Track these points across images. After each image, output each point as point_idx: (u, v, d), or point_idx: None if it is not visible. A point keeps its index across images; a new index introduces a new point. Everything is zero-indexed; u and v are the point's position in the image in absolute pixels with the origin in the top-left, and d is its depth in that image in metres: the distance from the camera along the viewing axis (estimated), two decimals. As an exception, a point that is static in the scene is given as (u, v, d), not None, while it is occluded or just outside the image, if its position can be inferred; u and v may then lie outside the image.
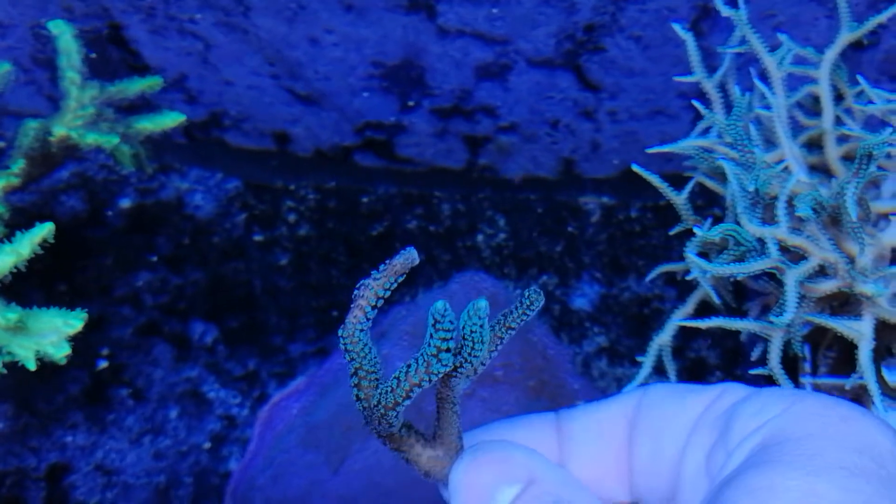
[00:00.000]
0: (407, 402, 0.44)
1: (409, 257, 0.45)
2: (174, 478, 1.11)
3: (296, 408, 1.10)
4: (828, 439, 0.38)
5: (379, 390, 0.45)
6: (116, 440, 1.12)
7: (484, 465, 0.46)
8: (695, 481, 0.44)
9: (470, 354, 0.44)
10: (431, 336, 0.43)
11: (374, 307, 0.45)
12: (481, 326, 0.44)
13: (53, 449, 1.11)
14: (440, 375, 0.44)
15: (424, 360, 0.43)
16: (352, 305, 0.45)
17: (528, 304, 0.47)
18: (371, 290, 0.45)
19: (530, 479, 0.45)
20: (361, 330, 0.45)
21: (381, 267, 0.45)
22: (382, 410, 0.45)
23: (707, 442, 0.44)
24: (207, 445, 1.13)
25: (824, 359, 0.98)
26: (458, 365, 0.45)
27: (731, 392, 0.45)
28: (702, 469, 0.44)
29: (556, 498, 0.45)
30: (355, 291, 0.45)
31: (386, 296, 0.45)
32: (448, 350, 0.43)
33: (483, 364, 0.46)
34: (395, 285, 0.46)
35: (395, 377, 0.44)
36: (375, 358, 0.46)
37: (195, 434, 1.14)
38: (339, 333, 0.46)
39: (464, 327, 0.44)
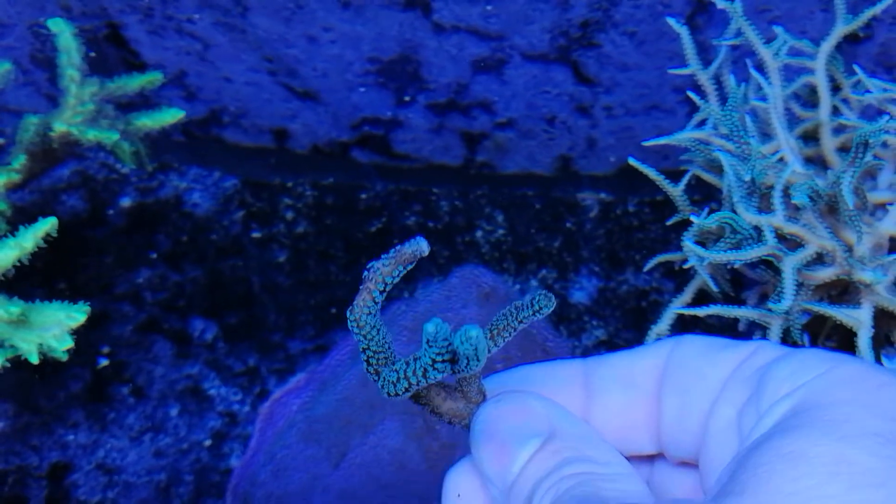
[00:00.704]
0: (407, 395, 0.44)
1: (418, 247, 0.45)
2: (175, 476, 1.12)
3: (296, 404, 1.11)
4: (861, 405, 0.37)
5: (381, 377, 0.45)
6: (117, 438, 1.13)
7: (504, 417, 0.45)
8: (724, 437, 0.43)
9: (467, 367, 0.44)
10: (425, 352, 0.43)
11: (381, 291, 0.45)
12: (475, 349, 0.43)
13: (55, 447, 1.11)
14: (438, 379, 0.44)
15: (421, 366, 0.43)
16: (360, 287, 0.45)
17: (538, 308, 0.46)
18: (379, 274, 0.45)
19: (551, 432, 0.44)
20: (369, 313, 0.45)
21: (391, 252, 0.45)
22: (391, 390, 0.45)
23: (739, 399, 0.43)
24: (208, 443, 1.14)
25: (825, 349, 0.98)
26: (456, 370, 0.45)
27: (766, 350, 0.44)
28: (733, 426, 0.43)
29: (576, 452, 0.44)
30: (365, 273, 0.45)
31: (394, 282, 0.45)
32: (443, 361, 0.43)
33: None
34: (403, 273, 0.45)
35: (394, 370, 0.44)
36: (384, 339, 0.46)
37: (196, 431, 1.14)
38: (347, 316, 0.45)
39: (457, 349, 0.44)
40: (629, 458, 0.46)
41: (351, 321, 0.45)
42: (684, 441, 0.46)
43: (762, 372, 0.42)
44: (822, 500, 0.34)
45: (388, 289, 0.45)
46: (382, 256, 0.45)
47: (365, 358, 0.45)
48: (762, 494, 0.35)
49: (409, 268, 0.45)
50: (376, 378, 0.45)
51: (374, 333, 0.45)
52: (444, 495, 0.49)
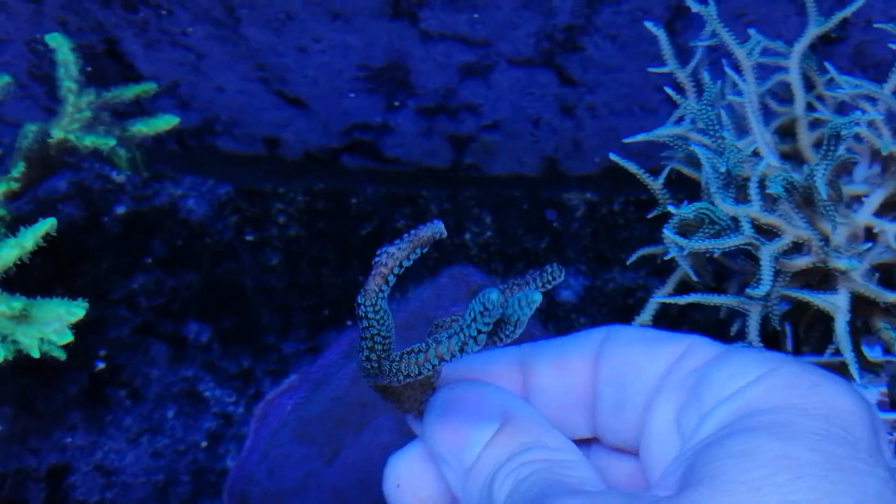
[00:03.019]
0: (427, 373, 0.43)
1: (437, 229, 0.44)
2: (172, 476, 1.13)
3: (289, 404, 1.12)
4: (798, 409, 0.40)
5: (402, 360, 0.44)
6: (115, 440, 1.14)
7: (460, 402, 0.46)
8: (664, 436, 0.45)
9: (506, 336, 0.42)
10: (475, 320, 0.41)
11: (395, 275, 0.44)
12: (527, 316, 0.42)
13: (53, 450, 1.13)
14: (470, 353, 0.42)
15: (460, 340, 0.42)
16: (372, 272, 0.44)
17: (550, 278, 0.46)
18: (394, 258, 0.44)
19: (506, 417, 0.46)
20: (382, 298, 0.44)
21: (406, 235, 0.44)
22: (401, 377, 0.44)
23: (677, 399, 0.45)
24: (204, 443, 1.15)
25: (808, 338, 1.01)
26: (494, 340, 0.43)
27: (700, 348, 0.46)
28: (672, 426, 0.45)
29: (532, 438, 0.45)
30: (375, 258, 0.44)
31: (408, 265, 0.44)
32: (486, 333, 0.41)
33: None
34: (418, 256, 0.44)
35: (417, 350, 0.43)
36: (391, 326, 0.45)
37: (192, 432, 1.16)
38: (359, 301, 0.44)
39: (511, 313, 0.42)
40: None
41: (366, 306, 0.44)
42: (621, 431, 0.48)
43: (700, 374, 0.45)
44: (772, 487, 0.37)
45: (400, 272, 0.44)
46: (397, 240, 0.44)
47: (370, 345, 0.45)
48: (718, 484, 0.38)
49: (424, 251, 0.45)
50: (377, 366, 0.45)
51: (385, 318, 0.45)
52: (384, 483, 0.50)
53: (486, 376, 0.49)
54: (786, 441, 0.38)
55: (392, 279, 0.44)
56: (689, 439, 0.43)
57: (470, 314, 0.42)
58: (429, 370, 0.43)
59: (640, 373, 0.47)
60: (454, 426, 0.46)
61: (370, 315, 0.44)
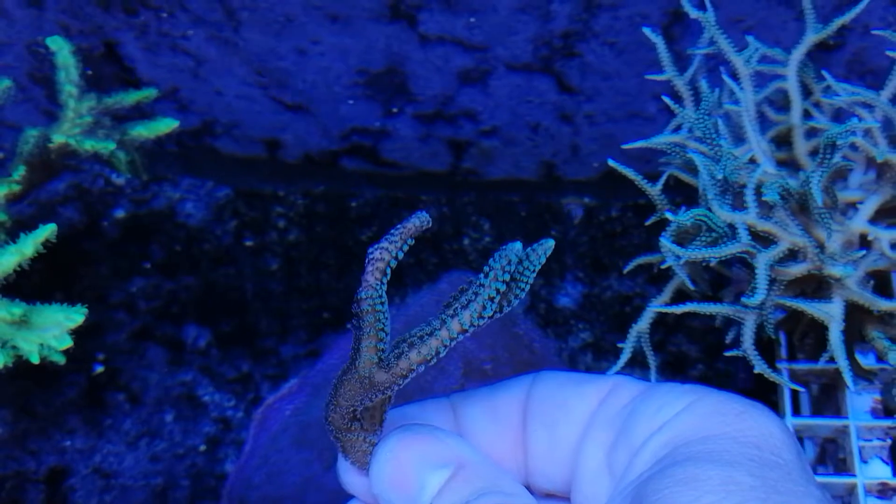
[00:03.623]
0: (438, 358, 0.44)
1: (423, 219, 0.45)
2: (171, 480, 1.14)
3: (289, 409, 1.13)
4: (729, 437, 0.42)
5: (415, 347, 0.44)
6: (114, 443, 1.15)
7: (411, 446, 0.45)
8: (595, 477, 0.46)
9: (516, 295, 0.44)
10: (496, 277, 0.42)
11: (391, 268, 0.45)
12: (537, 266, 0.44)
13: (52, 453, 1.13)
14: (483, 324, 0.43)
15: (481, 300, 0.43)
16: (368, 268, 0.45)
17: (543, 251, 0.46)
18: (388, 251, 0.45)
19: (459, 462, 0.45)
20: (380, 295, 0.45)
21: (394, 229, 0.45)
22: (404, 371, 0.44)
23: (606, 439, 0.45)
24: (203, 448, 1.16)
25: (802, 346, 1.01)
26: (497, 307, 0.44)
27: (625, 387, 0.47)
28: (602, 466, 0.45)
29: (487, 482, 0.45)
30: (369, 255, 0.45)
31: (400, 257, 0.45)
32: (500, 294, 0.43)
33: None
34: (407, 248, 0.45)
35: (423, 333, 0.44)
36: (388, 320, 0.45)
37: (191, 436, 1.16)
38: (361, 295, 0.45)
39: (527, 256, 0.44)
40: None
41: (372, 298, 0.45)
42: (553, 473, 0.48)
43: (627, 412, 0.45)
44: None
45: (395, 265, 0.45)
46: (386, 235, 0.45)
47: (372, 345, 0.45)
48: None
49: (411, 243, 0.46)
50: (366, 372, 0.45)
51: (384, 311, 0.45)
52: None
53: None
54: (727, 468, 0.40)
55: (388, 272, 0.45)
56: (621, 479, 0.44)
57: (489, 272, 0.43)
58: (448, 344, 0.43)
59: (569, 412, 0.47)
60: (405, 471, 0.45)
61: (377, 307, 0.45)
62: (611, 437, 0.46)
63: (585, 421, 0.47)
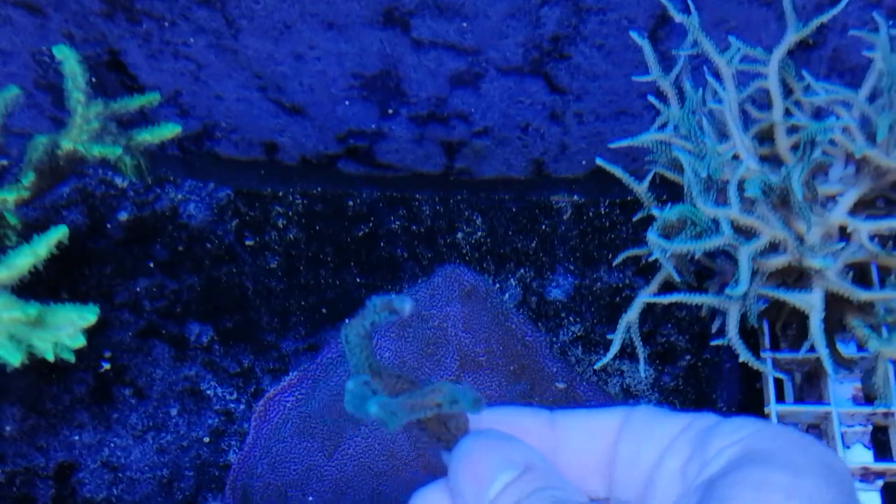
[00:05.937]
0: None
1: (403, 305, 0.46)
2: (177, 471, 1.16)
3: (290, 401, 1.15)
4: (797, 451, 0.45)
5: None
6: (121, 437, 1.17)
7: (487, 447, 0.50)
8: (668, 485, 0.50)
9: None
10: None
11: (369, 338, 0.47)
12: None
13: (61, 448, 1.15)
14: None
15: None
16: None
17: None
18: (362, 328, 0.46)
19: (528, 466, 0.49)
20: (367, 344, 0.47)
21: (369, 303, 0.46)
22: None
23: (684, 453, 0.49)
24: (207, 439, 1.18)
25: (785, 335, 1.04)
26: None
27: (706, 418, 0.51)
28: (676, 475, 0.49)
29: (548, 485, 0.49)
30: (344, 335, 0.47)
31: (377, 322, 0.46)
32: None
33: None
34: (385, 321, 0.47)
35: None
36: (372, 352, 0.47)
37: (195, 429, 1.18)
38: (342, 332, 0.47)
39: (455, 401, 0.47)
40: None
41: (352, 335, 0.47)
42: (633, 485, 0.52)
43: (705, 433, 0.50)
44: None
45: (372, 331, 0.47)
46: (360, 311, 0.46)
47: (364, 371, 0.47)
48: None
49: (389, 318, 0.46)
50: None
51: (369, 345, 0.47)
52: None
53: (517, 426, 0.53)
54: (795, 474, 0.43)
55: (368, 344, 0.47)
56: (690, 483, 0.48)
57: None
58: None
59: (654, 433, 0.52)
60: (478, 465, 0.50)
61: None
62: (688, 452, 0.49)
63: (667, 441, 0.51)
